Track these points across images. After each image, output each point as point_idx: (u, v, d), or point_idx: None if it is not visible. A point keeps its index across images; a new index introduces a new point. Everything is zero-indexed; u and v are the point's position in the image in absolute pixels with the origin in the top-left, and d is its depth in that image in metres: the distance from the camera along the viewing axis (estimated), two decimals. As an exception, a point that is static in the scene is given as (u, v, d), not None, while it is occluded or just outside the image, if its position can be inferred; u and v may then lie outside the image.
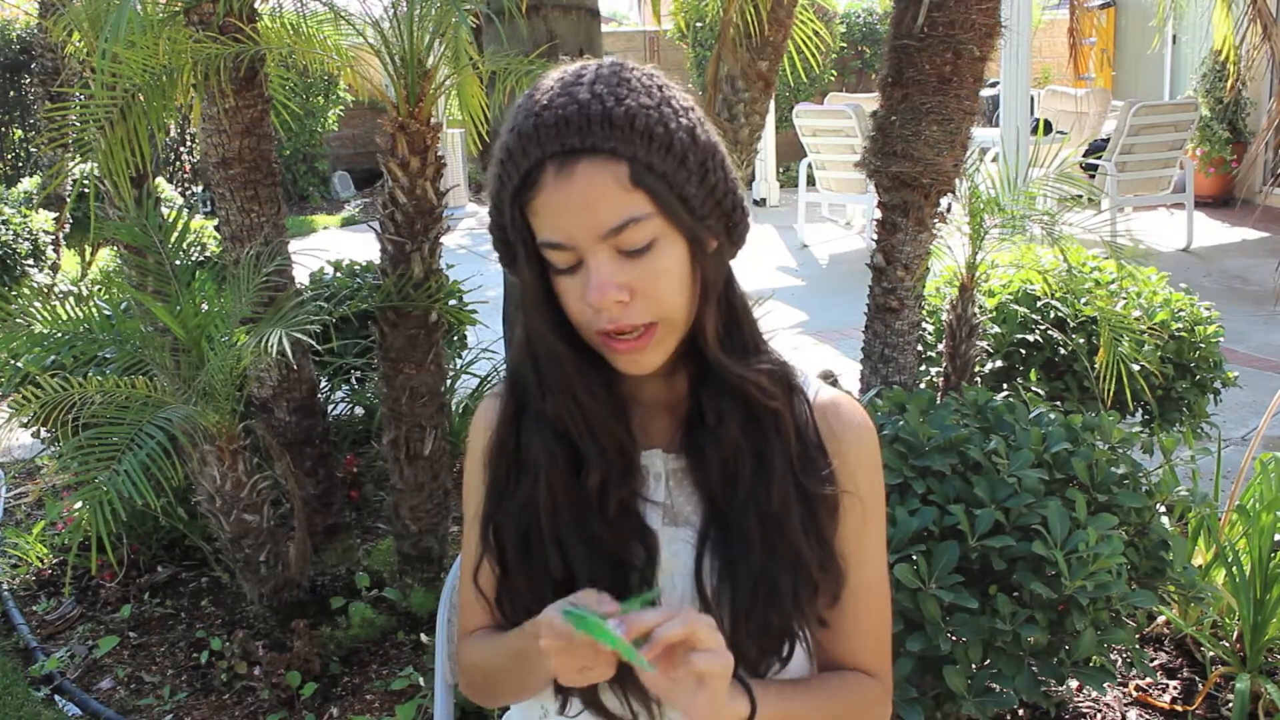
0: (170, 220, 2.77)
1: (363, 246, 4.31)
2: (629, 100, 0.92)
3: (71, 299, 2.78)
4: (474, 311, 3.19)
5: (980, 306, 3.05)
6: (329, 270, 3.97)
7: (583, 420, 1.01)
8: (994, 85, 7.55)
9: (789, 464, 1.02)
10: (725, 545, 1.02)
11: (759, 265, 7.18)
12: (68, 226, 6.67)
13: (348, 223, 9.93)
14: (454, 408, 3.64)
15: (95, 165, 2.52)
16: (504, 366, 3.47)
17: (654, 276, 0.94)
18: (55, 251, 6.47)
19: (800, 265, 7.35)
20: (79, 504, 2.19)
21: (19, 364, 3.20)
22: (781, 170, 10.13)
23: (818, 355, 5.03)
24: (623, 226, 0.92)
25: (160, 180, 7.59)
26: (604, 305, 0.93)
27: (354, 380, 3.88)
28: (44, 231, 6.31)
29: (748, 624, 1.00)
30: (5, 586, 3.22)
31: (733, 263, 1.05)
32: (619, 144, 0.91)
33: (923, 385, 3.15)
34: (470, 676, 1.17)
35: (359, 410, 3.90)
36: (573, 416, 1.02)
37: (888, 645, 1.11)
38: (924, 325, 3.13)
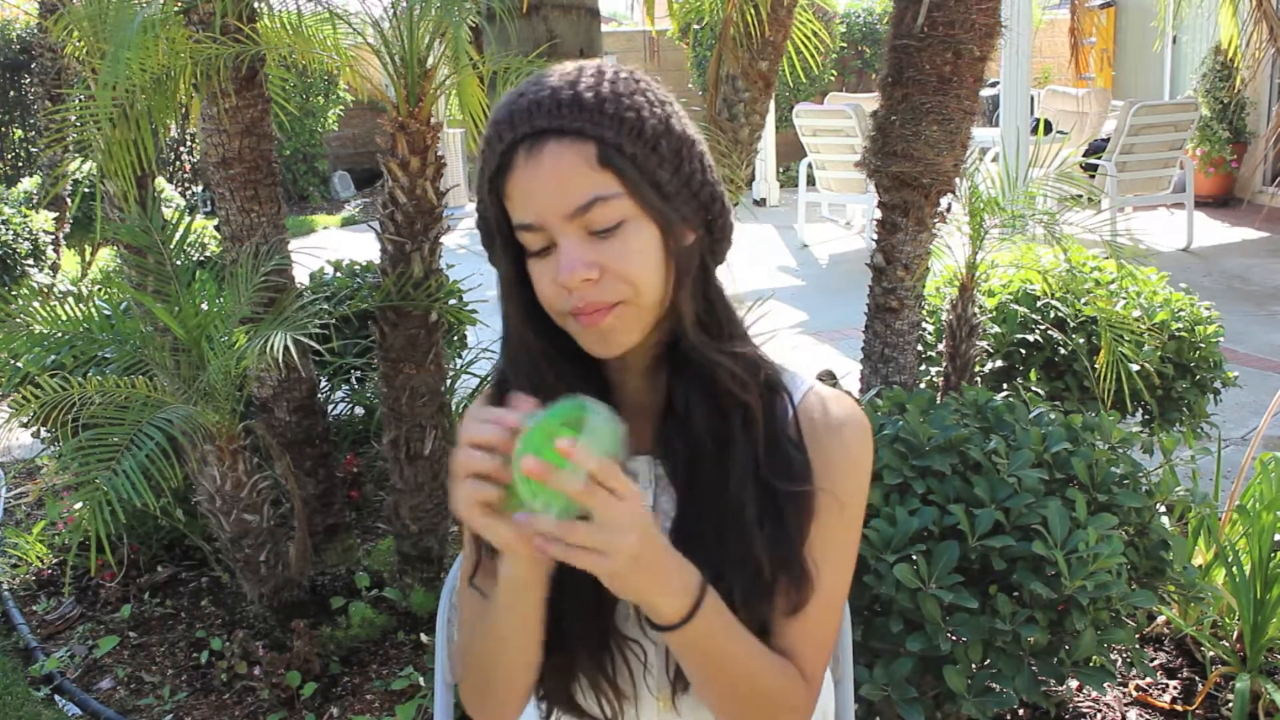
0: (170, 220, 2.77)
1: (363, 246, 4.31)
2: (601, 87, 0.94)
3: (71, 299, 2.78)
4: (474, 311, 3.18)
5: (980, 306, 3.05)
6: (329, 270, 3.97)
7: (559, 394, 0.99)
8: (994, 85, 7.55)
9: (753, 459, 1.01)
10: (684, 541, 0.99)
11: (759, 265, 7.18)
12: (68, 226, 6.68)
13: (348, 223, 9.93)
14: (454, 408, 3.64)
15: (96, 165, 2.52)
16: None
17: (624, 257, 0.94)
18: (55, 251, 6.47)
19: (800, 265, 7.35)
20: (79, 504, 2.19)
21: (19, 364, 3.20)
22: (781, 170, 10.13)
23: (818, 355, 5.03)
24: (589, 205, 0.92)
25: (160, 180, 7.59)
26: (573, 284, 0.93)
27: (354, 380, 3.88)
28: (44, 231, 6.31)
29: None
30: (5, 586, 3.22)
31: (729, 263, 1.05)
32: (586, 124, 0.92)
33: (923, 385, 3.15)
34: (467, 671, 1.11)
35: (359, 410, 3.90)
36: (555, 386, 1.00)
37: (827, 653, 1.06)
38: (924, 325, 3.13)
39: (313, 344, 2.44)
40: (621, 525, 0.85)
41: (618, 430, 0.86)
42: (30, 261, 6.15)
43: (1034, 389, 2.97)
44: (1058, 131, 8.15)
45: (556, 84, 0.94)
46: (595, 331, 0.96)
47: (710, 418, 1.01)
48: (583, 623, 1.03)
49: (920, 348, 3.02)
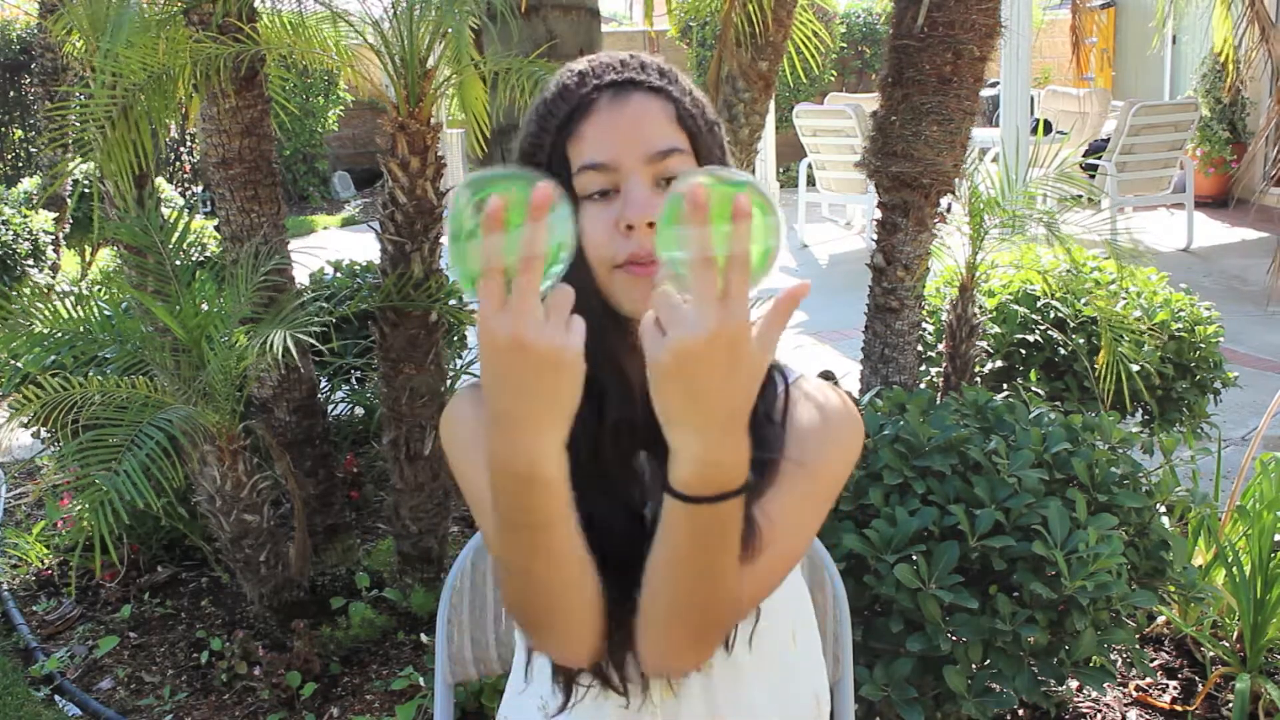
0: (170, 220, 2.77)
1: (363, 246, 4.31)
2: (664, 68, 1.05)
3: (71, 299, 2.78)
4: (474, 312, 3.19)
5: (980, 306, 3.05)
6: (329, 270, 3.97)
7: (602, 353, 0.98)
8: (994, 85, 7.55)
9: None
10: (656, 493, 0.98)
11: (759, 265, 7.17)
12: (68, 226, 6.68)
13: (348, 223, 9.93)
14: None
15: (96, 165, 2.52)
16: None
17: None
18: (55, 251, 6.48)
19: (800, 265, 7.35)
20: (79, 505, 2.19)
21: (19, 364, 3.20)
22: (781, 170, 10.13)
23: (818, 355, 5.03)
24: (668, 152, 0.99)
25: (160, 180, 7.59)
26: (639, 223, 0.96)
27: (354, 380, 3.88)
28: (44, 231, 6.32)
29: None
30: (5, 586, 3.22)
31: None
32: (669, 86, 1.02)
33: (923, 385, 3.15)
34: (510, 605, 1.03)
35: (359, 410, 3.90)
36: (594, 346, 0.93)
37: (766, 593, 1.05)
38: (924, 325, 3.13)
39: (313, 342, 2.45)
40: (708, 315, 0.77)
41: (777, 245, 0.78)
42: (30, 261, 6.15)
43: (1034, 389, 2.98)
44: (1058, 131, 8.14)
45: (630, 58, 1.03)
46: (646, 282, 0.96)
47: None
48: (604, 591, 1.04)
49: (920, 348, 3.03)
